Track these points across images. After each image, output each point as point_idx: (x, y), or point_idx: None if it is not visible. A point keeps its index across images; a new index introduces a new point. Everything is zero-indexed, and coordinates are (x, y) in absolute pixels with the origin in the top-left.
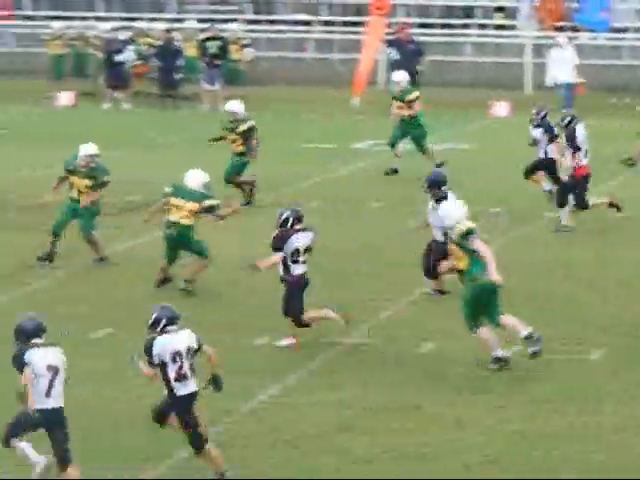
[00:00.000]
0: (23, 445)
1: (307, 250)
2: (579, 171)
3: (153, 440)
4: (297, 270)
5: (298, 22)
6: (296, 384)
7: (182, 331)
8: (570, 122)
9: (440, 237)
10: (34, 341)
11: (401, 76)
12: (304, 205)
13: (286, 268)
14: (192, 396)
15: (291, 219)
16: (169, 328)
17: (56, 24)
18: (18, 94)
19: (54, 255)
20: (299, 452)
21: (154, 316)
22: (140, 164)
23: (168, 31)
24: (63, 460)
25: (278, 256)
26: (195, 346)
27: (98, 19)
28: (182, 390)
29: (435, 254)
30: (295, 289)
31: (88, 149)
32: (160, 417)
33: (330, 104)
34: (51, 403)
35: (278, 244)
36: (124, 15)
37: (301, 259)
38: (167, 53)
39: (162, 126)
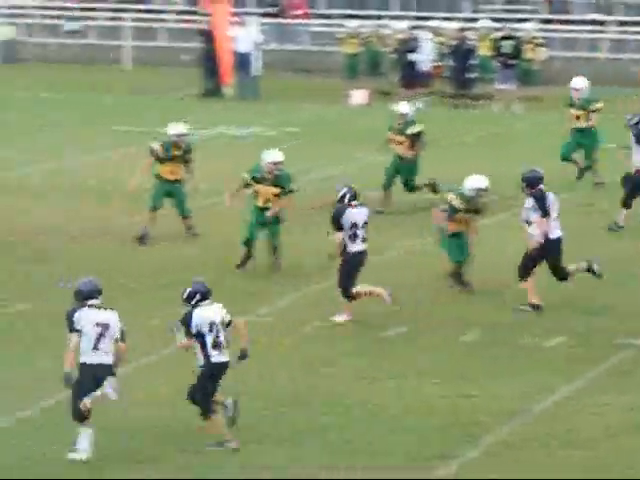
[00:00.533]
0: (86, 432)
1: (365, 225)
2: None
3: (439, 439)
4: (355, 247)
5: (592, 22)
6: (588, 385)
7: (215, 304)
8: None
9: (540, 237)
10: (90, 302)
11: (581, 83)
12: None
13: (344, 244)
14: (224, 365)
15: (348, 195)
16: (203, 303)
17: (351, 23)
18: (313, 92)
19: (245, 265)
20: (593, 454)
21: (188, 290)
22: (434, 163)
23: (462, 30)
24: None
25: (339, 235)
26: (227, 319)
27: (393, 18)
28: (217, 358)
29: (534, 255)
30: (352, 264)
31: (274, 156)
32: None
33: (623, 104)
34: (97, 358)
35: (337, 222)
36: (418, 14)
37: (360, 234)
38: (460, 52)
39: (455, 125)
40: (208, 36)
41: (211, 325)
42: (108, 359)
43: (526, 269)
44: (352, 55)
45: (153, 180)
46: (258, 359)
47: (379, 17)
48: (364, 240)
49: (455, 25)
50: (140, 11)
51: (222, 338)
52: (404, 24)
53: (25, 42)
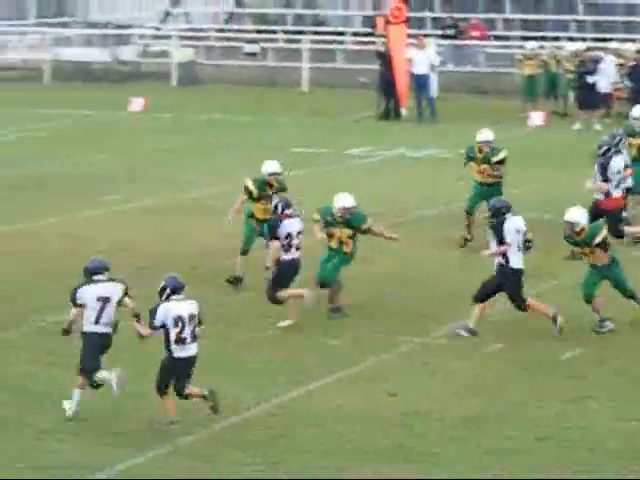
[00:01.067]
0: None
1: (299, 234)
2: (610, 202)
3: (613, 463)
4: (289, 256)
5: None
6: None
7: (188, 300)
8: (606, 151)
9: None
10: (95, 277)
11: None
12: None
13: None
14: (187, 360)
15: (280, 205)
16: (174, 297)
17: (530, 44)
18: (489, 114)
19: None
20: None
21: (161, 284)
22: None
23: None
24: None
25: (277, 243)
26: (197, 314)
27: (570, 39)
28: (179, 353)
29: (497, 280)
30: (284, 272)
31: (345, 201)
32: (161, 387)
33: None
34: (100, 329)
35: (273, 232)
36: (596, 36)
37: (294, 243)
38: (638, 73)
39: None
40: (385, 58)
41: (177, 320)
42: (108, 330)
43: (484, 294)
44: (530, 77)
45: (245, 219)
46: (431, 381)
47: (557, 38)
48: (298, 248)
49: (633, 46)
50: (317, 33)
51: (187, 333)
52: (581, 46)
53: (204, 64)
